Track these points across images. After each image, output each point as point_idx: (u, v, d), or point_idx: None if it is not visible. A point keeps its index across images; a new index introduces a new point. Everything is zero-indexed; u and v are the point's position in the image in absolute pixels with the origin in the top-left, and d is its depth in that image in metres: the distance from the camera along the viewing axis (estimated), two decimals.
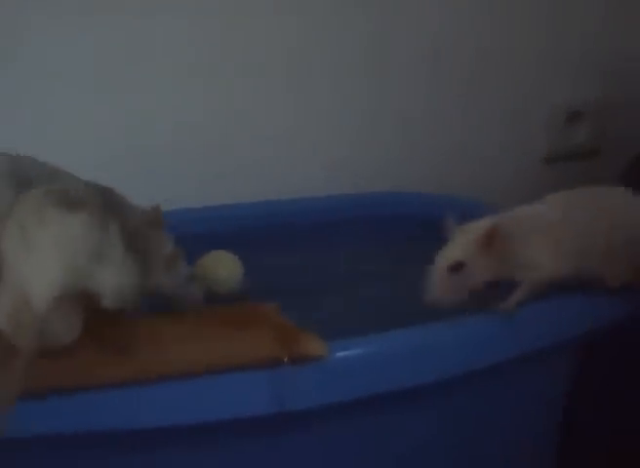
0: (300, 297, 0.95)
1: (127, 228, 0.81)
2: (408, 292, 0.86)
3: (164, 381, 0.73)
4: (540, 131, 1.45)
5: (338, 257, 1.14)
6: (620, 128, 1.46)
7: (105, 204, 0.80)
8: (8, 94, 1.13)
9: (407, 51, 1.34)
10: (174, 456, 0.80)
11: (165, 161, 1.22)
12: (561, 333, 0.90)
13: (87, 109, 1.17)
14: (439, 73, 1.36)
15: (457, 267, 0.84)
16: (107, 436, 0.75)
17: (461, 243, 0.85)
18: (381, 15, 1.32)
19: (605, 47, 1.44)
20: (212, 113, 1.25)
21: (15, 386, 0.68)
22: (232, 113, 1.26)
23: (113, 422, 0.74)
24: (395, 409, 0.83)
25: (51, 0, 1.13)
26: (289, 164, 1.31)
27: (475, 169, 1.40)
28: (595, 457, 1.22)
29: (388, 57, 1.33)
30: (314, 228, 1.22)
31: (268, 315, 0.86)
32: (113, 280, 0.78)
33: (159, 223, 0.87)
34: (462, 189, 1.28)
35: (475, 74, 1.38)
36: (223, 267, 0.98)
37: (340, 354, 0.77)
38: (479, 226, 0.86)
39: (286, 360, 0.75)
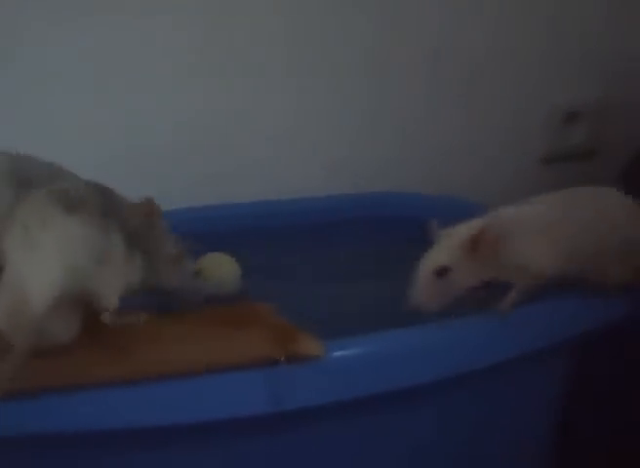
0: (299, 297, 0.95)
1: (127, 228, 0.81)
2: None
3: (162, 381, 0.73)
4: (538, 131, 1.45)
5: (338, 258, 1.14)
6: (617, 129, 1.45)
7: (106, 203, 0.80)
8: (8, 94, 1.13)
9: (407, 51, 1.33)
10: (171, 455, 0.80)
11: (165, 161, 1.22)
12: (558, 334, 0.90)
13: (87, 109, 1.17)
14: (439, 73, 1.36)
15: (442, 272, 0.83)
16: (106, 435, 0.75)
17: (447, 247, 0.84)
18: (381, 15, 1.31)
19: (605, 47, 1.43)
20: (212, 113, 1.24)
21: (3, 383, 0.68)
22: (232, 113, 1.26)
23: (112, 421, 0.74)
24: (392, 409, 0.84)
25: (51, 0, 1.13)
26: (289, 164, 1.31)
27: (474, 169, 1.40)
28: (595, 457, 1.22)
29: (388, 57, 1.33)
30: (314, 228, 1.22)
31: (265, 315, 0.86)
32: (113, 280, 0.78)
33: (157, 214, 0.86)
34: (461, 189, 1.28)
35: (475, 75, 1.38)
36: (221, 269, 0.98)
37: (337, 354, 0.77)
38: (464, 229, 0.84)
39: (283, 359, 0.75)
